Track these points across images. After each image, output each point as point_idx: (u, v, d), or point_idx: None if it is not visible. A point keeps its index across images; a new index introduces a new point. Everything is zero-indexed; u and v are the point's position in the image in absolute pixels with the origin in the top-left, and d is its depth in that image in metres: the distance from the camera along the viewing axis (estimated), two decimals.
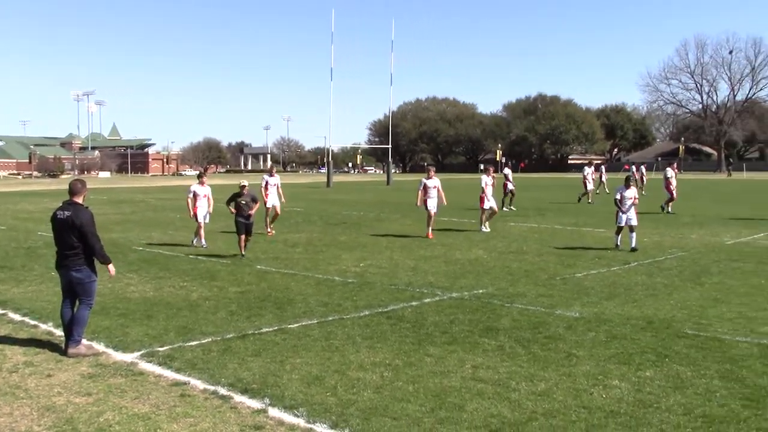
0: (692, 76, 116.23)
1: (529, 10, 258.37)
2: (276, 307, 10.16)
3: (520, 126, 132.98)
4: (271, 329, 8.85)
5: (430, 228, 19.00)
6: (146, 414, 5.95)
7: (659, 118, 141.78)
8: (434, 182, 19.07)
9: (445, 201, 19.56)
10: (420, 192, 19.09)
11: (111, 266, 8.19)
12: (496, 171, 26.21)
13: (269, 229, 20.11)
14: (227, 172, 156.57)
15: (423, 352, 7.82)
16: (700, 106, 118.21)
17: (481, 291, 11.35)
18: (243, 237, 15.07)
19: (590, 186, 34.28)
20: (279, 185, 20.52)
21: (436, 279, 12.53)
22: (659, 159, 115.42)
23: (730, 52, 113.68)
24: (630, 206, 16.10)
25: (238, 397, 6.34)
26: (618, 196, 16.29)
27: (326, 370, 7.14)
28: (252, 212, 15.11)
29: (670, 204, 26.92)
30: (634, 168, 42.84)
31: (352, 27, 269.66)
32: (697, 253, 15.61)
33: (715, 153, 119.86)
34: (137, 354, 7.76)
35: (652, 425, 5.67)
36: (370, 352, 7.81)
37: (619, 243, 16.26)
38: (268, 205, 20.29)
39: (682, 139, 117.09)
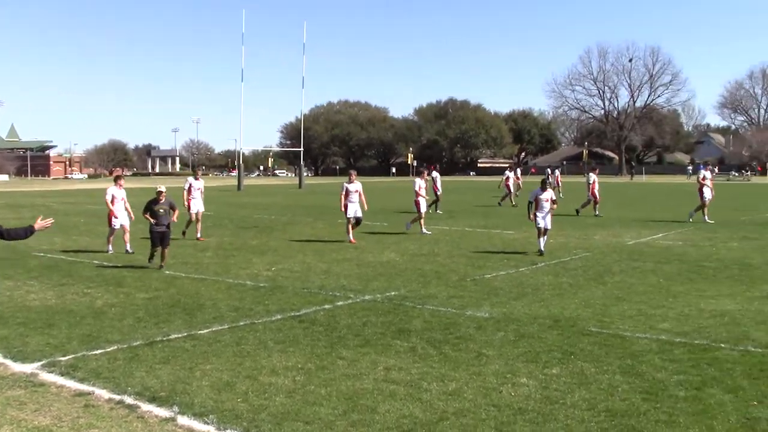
0: (595, 83, 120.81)
1: (440, 15, 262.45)
2: (185, 313, 9.95)
3: (431, 130, 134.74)
4: (180, 335, 8.66)
5: (351, 233, 18.59)
6: (47, 427, 5.72)
7: (564, 123, 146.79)
8: (356, 186, 18.73)
9: (366, 205, 19.25)
10: (342, 196, 18.71)
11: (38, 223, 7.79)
12: (429, 174, 26.09)
13: (199, 235, 19.21)
14: (134, 175, 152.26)
15: (336, 355, 7.81)
16: (603, 111, 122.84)
17: (393, 293, 11.43)
18: (159, 249, 13.92)
19: (511, 189, 34.57)
20: (203, 189, 19.93)
21: (349, 282, 12.55)
22: (564, 163, 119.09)
23: (630, 61, 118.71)
24: (547, 209, 15.93)
25: (146, 406, 6.17)
26: (532, 199, 16.10)
27: (237, 375, 7.04)
28: (171, 221, 14.12)
29: (597, 206, 27.61)
30: (549, 171, 43.61)
31: (263, 28, 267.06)
32: (600, 253, 16.17)
33: (616, 157, 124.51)
34: (37, 364, 7.44)
35: (558, 421, 5.83)
36: (282, 356, 7.74)
37: (542, 248, 15.93)
38: (192, 211, 19.45)
39: (586, 143, 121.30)
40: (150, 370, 7.23)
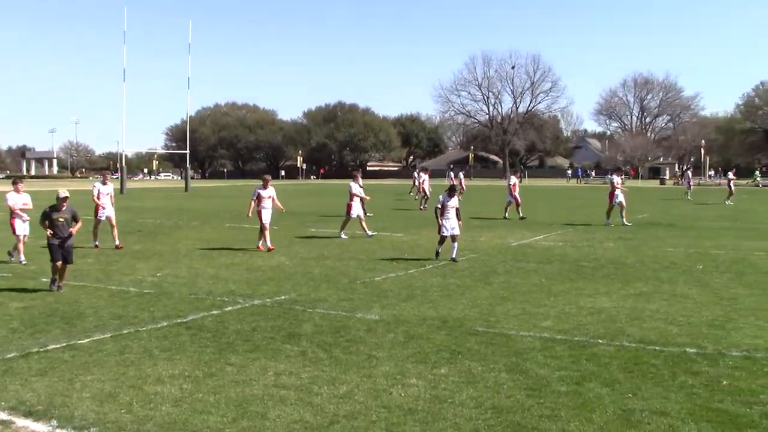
0: (480, 89, 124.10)
1: (329, 19, 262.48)
2: (64, 322, 9.51)
3: (320, 133, 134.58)
4: (58, 346, 8.27)
5: (264, 240, 17.50)
6: None
7: (451, 128, 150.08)
8: (270, 192, 17.80)
9: (282, 209, 18.57)
10: (253, 202, 17.78)
11: None
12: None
13: (117, 243, 17.93)
14: (7, 177, 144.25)
15: (224, 361, 7.67)
16: (487, 116, 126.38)
17: (283, 297, 11.34)
18: (59, 264, 11.74)
19: (425, 192, 34.08)
20: (112, 194, 18.77)
21: (238, 286, 12.35)
22: (451, 166, 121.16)
23: (513, 68, 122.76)
24: (453, 216, 15.45)
25: (21, 421, 5.86)
26: (439, 205, 15.50)
27: (121, 386, 6.79)
28: (72, 232, 11.97)
29: (519, 208, 27.99)
30: (452, 174, 43.31)
31: (147, 26, 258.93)
32: (486, 254, 16.60)
33: (500, 161, 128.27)
34: None
35: (447, 420, 5.95)
36: (168, 364, 7.52)
37: (439, 251, 15.71)
38: (101, 217, 18.29)
39: (472, 147, 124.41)
40: (25, 383, 6.87)
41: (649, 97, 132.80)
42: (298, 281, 12.93)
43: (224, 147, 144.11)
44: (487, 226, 24.41)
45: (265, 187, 17.75)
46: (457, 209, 15.56)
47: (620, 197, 24.82)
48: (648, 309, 10.38)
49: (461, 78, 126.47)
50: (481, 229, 22.88)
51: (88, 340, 8.57)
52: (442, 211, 15.40)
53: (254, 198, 17.78)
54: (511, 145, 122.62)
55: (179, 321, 9.60)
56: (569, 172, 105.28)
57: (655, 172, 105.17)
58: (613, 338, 8.66)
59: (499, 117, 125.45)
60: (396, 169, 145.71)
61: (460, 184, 39.98)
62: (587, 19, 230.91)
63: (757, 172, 79.24)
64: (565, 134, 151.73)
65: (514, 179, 28.73)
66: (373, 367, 7.47)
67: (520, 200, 28.23)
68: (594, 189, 66.76)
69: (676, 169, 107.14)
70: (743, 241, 19.28)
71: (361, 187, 21.11)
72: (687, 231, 22.50)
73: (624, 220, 24.56)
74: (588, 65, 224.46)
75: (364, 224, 20.70)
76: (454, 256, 15.34)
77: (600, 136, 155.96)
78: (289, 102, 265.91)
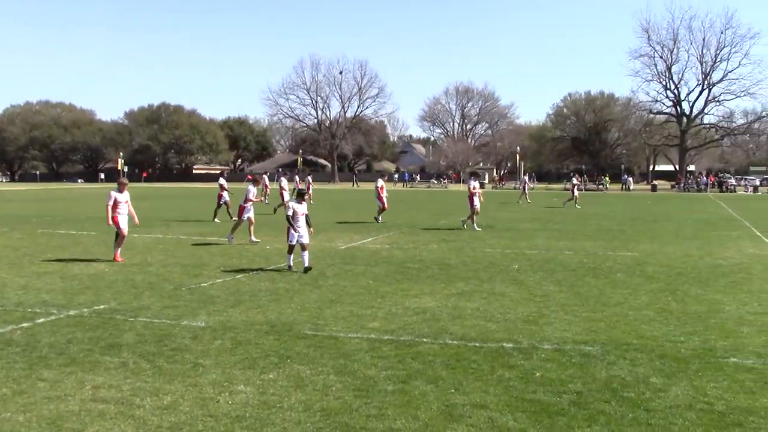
0: (308, 93, 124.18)
1: (151, 18, 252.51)
2: None
3: (142, 135, 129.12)
4: None
5: (118, 249, 16.22)
6: None
7: (279, 131, 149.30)
8: (126, 196, 16.44)
9: (136, 219, 17.03)
10: (109, 207, 16.16)
11: None
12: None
13: None
14: None
15: (36, 377, 7.16)
16: (316, 120, 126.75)
17: (102, 306, 10.77)
18: None
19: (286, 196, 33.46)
20: None
21: (52, 296, 11.58)
22: (280, 170, 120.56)
23: (341, 73, 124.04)
24: (303, 222, 14.65)
25: None
26: (290, 212, 14.68)
27: None
28: None
29: (381, 214, 27.95)
30: (297, 178, 42.24)
31: None
32: (315, 258, 16.63)
33: (329, 164, 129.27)
34: None
35: (276, 425, 5.91)
36: None
37: (291, 264, 14.69)
38: None
39: (300, 151, 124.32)
40: None
41: (469, 105, 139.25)
42: (118, 289, 12.34)
43: (36, 148, 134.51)
44: (316, 229, 24.43)
45: (121, 191, 16.40)
46: (306, 215, 14.85)
47: (477, 202, 25.18)
48: (469, 307, 10.86)
49: (290, 81, 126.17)
50: None
51: None
52: (294, 217, 14.61)
53: (110, 203, 16.24)
54: (340, 149, 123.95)
55: None
56: (396, 176, 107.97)
57: (476, 177, 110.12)
58: (437, 336, 8.98)
59: (328, 121, 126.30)
60: (250, 173, 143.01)
61: (308, 187, 39.34)
62: (412, 27, 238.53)
63: (607, 178, 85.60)
64: (391, 139, 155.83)
65: (381, 182, 28.78)
66: (200, 375, 7.28)
67: (386, 205, 28.25)
68: (419, 192, 69.11)
69: (494, 174, 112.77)
70: (554, 242, 20.66)
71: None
72: (504, 233, 23.77)
73: (475, 225, 24.93)
74: (413, 73, 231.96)
75: (253, 228, 20.54)
76: (306, 264, 14.35)
77: (424, 142, 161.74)
78: (109, 102, 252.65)
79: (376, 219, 27.94)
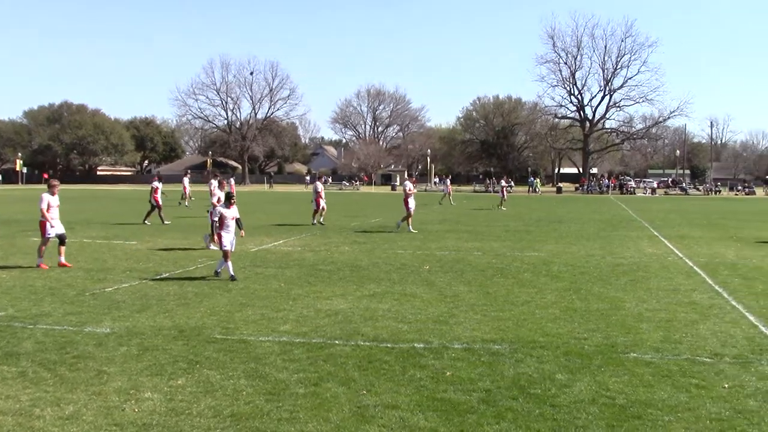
0: (218, 93, 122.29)
1: (49, 12, 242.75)
2: None
3: (43, 134, 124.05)
4: None
5: (40, 255, 15.21)
6: None
7: (188, 132, 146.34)
8: (57, 200, 15.56)
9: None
10: (44, 212, 15.19)
11: None
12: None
13: None
14: None
15: None
16: (226, 122, 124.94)
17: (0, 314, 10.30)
18: None
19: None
20: None
21: None
22: (189, 172, 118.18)
23: (251, 74, 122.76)
24: (233, 227, 14.00)
25: None
26: (218, 217, 14.09)
27: None
28: None
29: (316, 214, 27.76)
30: (215, 181, 40.94)
31: None
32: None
33: (239, 166, 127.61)
34: None
35: (184, 431, 5.79)
36: None
37: (219, 270, 13.94)
38: None
39: (210, 152, 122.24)
40: None
41: (381, 107, 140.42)
42: (17, 295, 11.81)
43: None
44: None
45: (53, 193, 15.49)
46: (237, 219, 14.24)
47: (412, 204, 25.09)
48: (381, 309, 10.92)
49: (199, 82, 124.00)
50: None
51: None
52: (222, 223, 13.82)
53: (43, 206, 15.25)
54: (250, 150, 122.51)
55: None
56: (308, 178, 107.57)
57: (387, 179, 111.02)
58: (349, 338, 8.99)
59: (238, 122, 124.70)
60: (130, 174, 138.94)
61: (231, 188, 38.79)
62: (324, 33, 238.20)
63: (537, 180, 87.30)
64: (303, 141, 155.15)
65: (320, 186, 28.44)
66: (104, 383, 7.05)
67: (322, 206, 27.97)
68: (330, 195, 68.99)
69: (406, 176, 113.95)
70: (463, 243, 21.02)
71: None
72: (415, 234, 24.01)
73: (410, 227, 24.84)
74: (325, 75, 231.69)
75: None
76: (231, 273, 13.60)
77: (336, 144, 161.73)
78: (6, 100, 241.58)
79: (314, 223, 27.68)
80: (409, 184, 26.00)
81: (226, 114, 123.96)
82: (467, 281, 13.70)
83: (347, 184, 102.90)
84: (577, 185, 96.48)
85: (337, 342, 8.78)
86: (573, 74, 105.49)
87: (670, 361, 8.02)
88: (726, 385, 7.13)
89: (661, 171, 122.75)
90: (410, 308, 10.99)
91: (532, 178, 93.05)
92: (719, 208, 47.52)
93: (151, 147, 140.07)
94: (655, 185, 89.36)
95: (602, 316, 10.52)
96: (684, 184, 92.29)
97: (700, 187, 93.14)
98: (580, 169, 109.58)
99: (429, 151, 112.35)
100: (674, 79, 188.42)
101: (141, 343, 8.67)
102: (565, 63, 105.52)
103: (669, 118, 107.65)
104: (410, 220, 25.24)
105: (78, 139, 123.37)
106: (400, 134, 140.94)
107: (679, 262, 16.75)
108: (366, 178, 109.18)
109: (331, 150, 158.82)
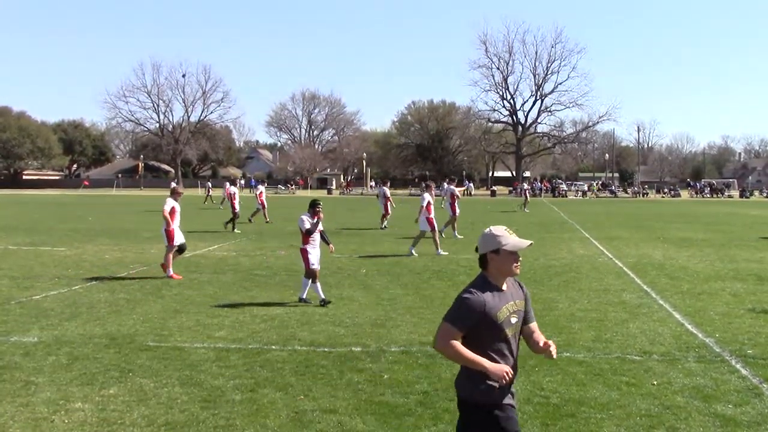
0: (149, 96, 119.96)
1: None
2: None
3: None
4: None
5: None
6: None
7: (119, 135, 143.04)
8: None
9: None
10: None
11: None
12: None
13: None
14: None
15: None
16: (158, 125, 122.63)
17: None
18: None
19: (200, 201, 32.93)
20: None
21: None
22: (120, 176, 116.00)
23: (183, 76, 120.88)
24: (318, 242, 12.74)
25: None
26: (304, 230, 12.69)
27: None
28: None
29: (259, 214, 30.19)
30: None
31: None
32: (158, 267, 16.06)
33: (172, 170, 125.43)
34: None
35: None
36: None
37: (304, 296, 12.35)
38: None
39: (141, 156, 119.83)
40: None
41: (316, 111, 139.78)
42: None
43: None
44: (158, 237, 23.63)
45: None
46: (322, 233, 12.87)
47: (455, 210, 24.19)
48: (317, 313, 10.88)
49: (129, 84, 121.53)
50: (152, 241, 22.13)
51: None
52: (307, 237, 12.53)
53: None
54: (183, 154, 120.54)
55: None
56: (242, 182, 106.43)
57: (323, 182, 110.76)
58: (286, 343, 8.93)
59: (171, 125, 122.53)
60: (58, 178, 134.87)
61: (207, 192, 41.37)
62: (257, 35, 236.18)
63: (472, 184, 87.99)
64: (237, 145, 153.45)
65: (261, 188, 31.14)
66: (32, 394, 6.83)
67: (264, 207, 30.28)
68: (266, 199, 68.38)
69: (342, 180, 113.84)
70: (400, 246, 21.12)
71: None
72: (352, 237, 24.01)
73: (456, 232, 24.38)
74: (259, 78, 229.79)
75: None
76: (322, 296, 11.86)
77: (271, 147, 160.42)
78: None
79: (258, 221, 29.15)
80: (454, 189, 24.95)
81: (158, 117, 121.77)
82: (404, 284, 13.76)
83: (283, 187, 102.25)
84: (511, 188, 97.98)
85: (273, 347, 8.72)
86: (505, 79, 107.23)
87: (601, 360, 8.22)
88: (655, 382, 7.35)
89: (591, 174, 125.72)
90: (347, 312, 10.98)
91: (467, 182, 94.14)
92: (647, 210, 48.96)
93: (80, 151, 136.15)
94: (586, 188, 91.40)
95: (536, 316, 10.68)
96: (613, 187, 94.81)
97: (629, 190, 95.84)
98: (514, 173, 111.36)
99: (365, 154, 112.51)
100: (603, 84, 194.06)
101: (71, 352, 8.43)
102: (498, 68, 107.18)
103: (598, 122, 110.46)
104: (455, 224, 24.49)
105: (2, 143, 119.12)
106: (336, 138, 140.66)
107: (610, 263, 17.19)
108: (302, 182, 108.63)
109: (267, 154, 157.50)
